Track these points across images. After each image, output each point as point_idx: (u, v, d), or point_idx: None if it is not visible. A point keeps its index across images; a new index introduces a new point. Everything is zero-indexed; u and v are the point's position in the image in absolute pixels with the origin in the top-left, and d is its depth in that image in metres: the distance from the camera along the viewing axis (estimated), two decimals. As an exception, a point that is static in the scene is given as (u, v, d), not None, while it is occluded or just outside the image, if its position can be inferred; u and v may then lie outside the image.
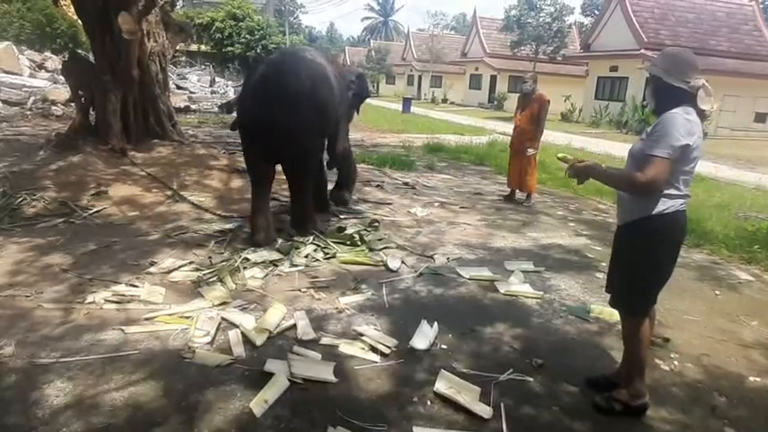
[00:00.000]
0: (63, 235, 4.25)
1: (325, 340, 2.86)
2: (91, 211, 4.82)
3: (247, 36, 31.19)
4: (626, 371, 2.43)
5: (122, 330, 2.81)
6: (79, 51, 14.70)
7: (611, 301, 2.46)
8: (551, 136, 12.13)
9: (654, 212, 2.17)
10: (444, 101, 35.31)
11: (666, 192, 2.15)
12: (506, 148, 7.31)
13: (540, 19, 24.78)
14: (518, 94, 6.78)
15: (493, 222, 5.52)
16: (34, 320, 2.89)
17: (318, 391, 2.42)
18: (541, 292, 3.66)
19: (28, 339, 2.69)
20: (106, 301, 3.13)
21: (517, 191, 6.59)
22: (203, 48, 32.40)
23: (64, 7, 26.40)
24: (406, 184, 7.20)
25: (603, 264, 4.34)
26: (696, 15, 20.97)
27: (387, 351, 2.76)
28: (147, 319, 2.96)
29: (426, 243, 4.64)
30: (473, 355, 2.80)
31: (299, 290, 3.49)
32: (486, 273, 3.95)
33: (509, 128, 8.14)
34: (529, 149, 6.19)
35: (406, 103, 24.11)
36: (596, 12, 32.05)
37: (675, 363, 2.85)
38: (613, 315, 3.04)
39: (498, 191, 7.17)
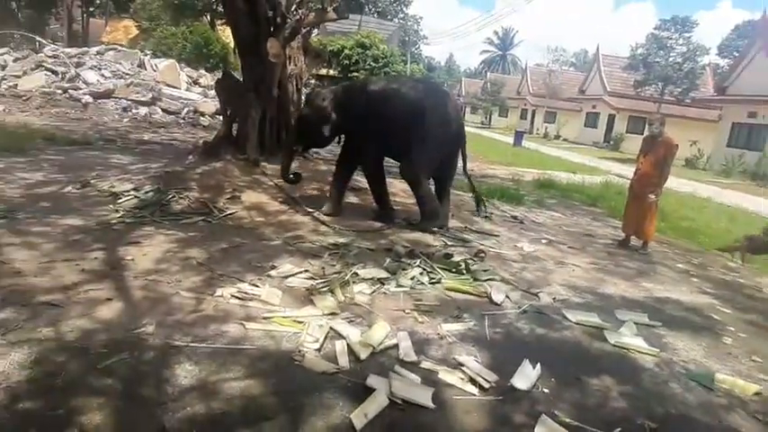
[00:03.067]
0: (201, 232, 4.65)
1: (425, 364, 2.83)
2: (225, 213, 5.24)
3: (372, 63, 32.45)
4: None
5: (243, 325, 2.99)
6: (225, 70, 16.17)
7: None
8: (674, 182, 11.20)
9: None
10: (557, 137, 34.15)
11: None
12: (623, 190, 6.88)
13: (670, 59, 23.18)
14: (638, 135, 6.41)
15: (604, 267, 5.18)
16: (172, 305, 3.17)
17: (415, 415, 2.39)
18: (657, 350, 3.34)
19: (165, 321, 2.95)
20: (232, 296, 3.35)
21: (633, 237, 6.14)
22: (331, 72, 34.27)
23: (219, 31, 29.39)
24: (514, 217, 7.01)
25: (733, 328, 3.90)
26: None
27: (486, 385, 2.67)
28: (264, 318, 3.13)
29: (532, 280, 4.46)
30: (577, 406, 2.62)
31: (404, 311, 3.50)
32: (595, 319, 3.70)
33: (625, 169, 7.67)
34: (650, 195, 5.77)
35: (518, 136, 23.65)
36: (735, 53, 29.36)
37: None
38: (748, 389, 2.68)
39: (611, 234, 6.74)
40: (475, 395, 2.59)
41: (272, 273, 3.84)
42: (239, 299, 3.34)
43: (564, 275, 4.72)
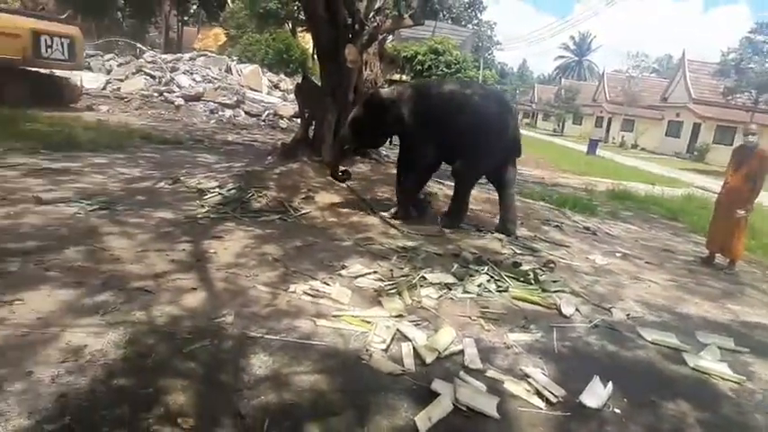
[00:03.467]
0: (277, 229, 4.83)
1: (490, 373, 2.78)
2: (300, 213, 5.41)
3: (444, 69, 32.29)
4: None
5: (314, 322, 3.08)
6: (305, 75, 16.68)
7: None
8: (766, 198, 10.31)
9: None
10: (634, 146, 32.42)
11: None
12: (707, 204, 6.40)
13: (766, 65, 21.32)
14: (726, 146, 5.95)
15: (684, 285, 4.85)
16: (249, 298, 3.31)
17: (479, 424, 2.35)
18: (743, 377, 3.08)
19: (243, 313, 3.09)
20: (304, 293, 3.46)
21: (718, 255, 5.71)
22: (404, 77, 34.45)
23: (299, 38, 30.42)
24: (586, 228, 6.72)
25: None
26: None
27: (553, 400, 2.58)
28: (334, 316, 3.19)
29: (604, 294, 4.26)
30: (650, 430, 2.47)
31: (470, 317, 3.46)
32: (672, 339, 3.47)
33: (710, 182, 7.14)
34: (739, 210, 5.33)
35: (593, 144, 22.67)
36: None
37: None
38: None
39: (693, 251, 6.30)
40: (541, 409, 2.52)
41: (343, 272, 3.92)
42: (311, 296, 3.43)
43: (639, 291, 4.47)
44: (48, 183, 5.48)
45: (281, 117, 15.63)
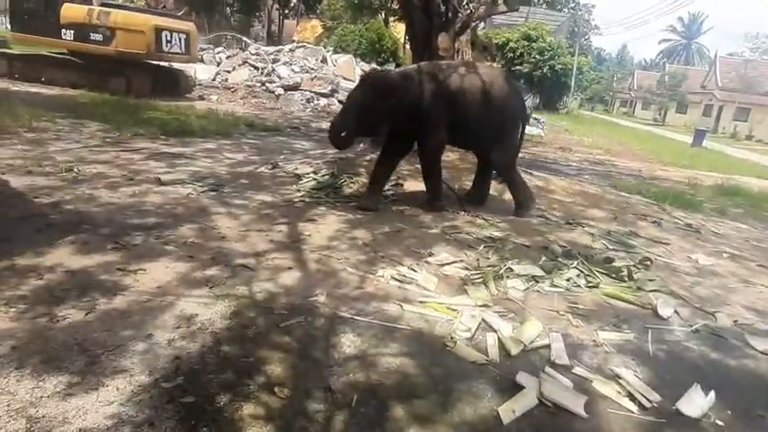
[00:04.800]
0: (367, 215, 4.92)
1: (577, 370, 2.66)
2: (389, 199, 5.46)
3: (537, 56, 30.94)
4: None
5: (401, 306, 3.11)
6: (398, 63, 16.75)
7: None
8: None
9: None
10: (749, 137, 29.13)
11: None
12: (838, 205, 5.59)
13: None
14: None
15: (804, 292, 4.30)
16: (339, 279, 3.41)
17: (565, 421, 2.26)
18: None
19: (334, 293, 3.19)
20: (392, 277, 3.50)
21: None
22: (494, 65, 33.46)
23: (391, 27, 30.52)
24: (688, 225, 6.16)
25: None
26: None
27: (647, 404, 2.41)
28: (420, 301, 3.21)
29: (707, 297, 3.89)
30: (757, 446, 2.24)
31: (557, 312, 3.32)
32: (789, 351, 3.10)
33: None
34: None
35: (699, 135, 20.66)
36: None
37: None
38: None
39: (816, 255, 5.56)
40: (633, 412, 2.36)
41: (430, 259, 3.91)
42: (398, 281, 3.47)
43: (749, 296, 4.03)
44: (166, 165, 5.99)
45: (372, 105, 15.80)
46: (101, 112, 8.83)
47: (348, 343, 2.66)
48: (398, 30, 29.26)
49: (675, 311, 3.51)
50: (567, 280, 3.83)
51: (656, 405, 2.42)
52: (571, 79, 33.15)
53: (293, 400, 2.17)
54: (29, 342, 2.32)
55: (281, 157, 7.21)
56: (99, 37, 11.76)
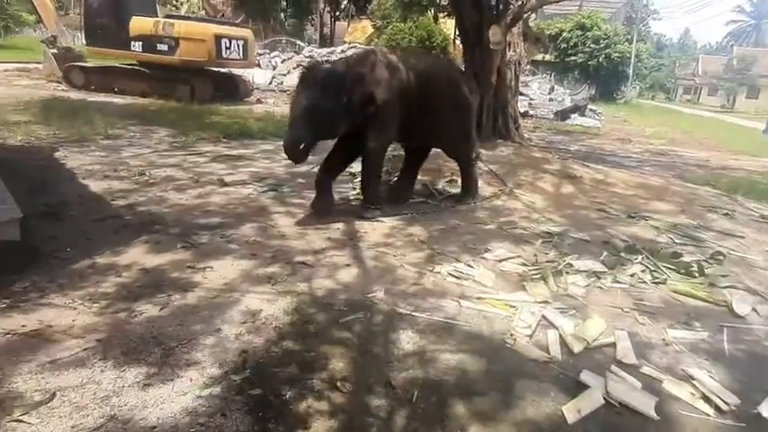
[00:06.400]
0: (422, 212, 4.89)
1: (645, 369, 2.52)
2: (444, 196, 5.41)
3: (592, 45, 29.67)
4: None
5: (458, 303, 3.06)
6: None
7: None
8: None
9: None
10: (832, 121, 26.55)
11: None
12: None
13: None
14: None
15: None
16: (397, 276, 3.41)
17: (635, 423, 2.15)
18: None
19: (392, 290, 3.18)
20: (449, 274, 3.45)
21: None
22: (546, 57, 32.33)
23: (441, 24, 30.19)
24: (763, 217, 5.71)
25: None
26: None
27: (724, 407, 2.26)
28: (478, 298, 3.15)
29: (789, 293, 3.59)
30: None
31: (621, 309, 3.17)
32: None
33: None
34: None
35: (774, 120, 19.09)
36: None
37: None
38: None
39: None
40: (709, 416, 2.22)
41: (486, 255, 3.84)
42: (455, 277, 3.42)
43: (837, 293, 3.68)
44: (228, 167, 6.20)
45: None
46: (168, 118, 9.28)
47: (407, 339, 2.65)
48: (448, 26, 28.83)
49: (754, 309, 3.27)
50: (632, 276, 3.65)
51: (734, 408, 2.26)
52: (629, 68, 31.56)
53: (355, 396, 2.18)
54: (111, 335, 2.47)
55: (336, 156, 7.28)
56: (164, 47, 12.37)
